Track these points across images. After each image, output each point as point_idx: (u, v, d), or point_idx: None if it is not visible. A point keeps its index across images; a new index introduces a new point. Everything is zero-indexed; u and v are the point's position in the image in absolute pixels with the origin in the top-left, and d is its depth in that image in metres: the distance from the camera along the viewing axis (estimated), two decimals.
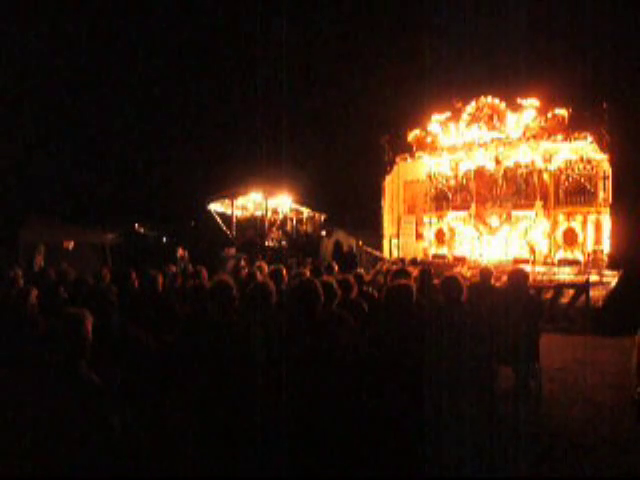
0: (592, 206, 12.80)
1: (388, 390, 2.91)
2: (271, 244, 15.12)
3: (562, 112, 12.79)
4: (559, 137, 12.70)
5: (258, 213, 15.97)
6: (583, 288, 10.02)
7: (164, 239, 19.79)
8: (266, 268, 6.81)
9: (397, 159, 15.71)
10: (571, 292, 10.14)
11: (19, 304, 3.88)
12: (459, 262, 13.77)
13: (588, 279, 10.47)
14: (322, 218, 17.21)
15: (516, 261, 12.72)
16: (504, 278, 6.49)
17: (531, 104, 13.06)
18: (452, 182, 14.66)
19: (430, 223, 15.23)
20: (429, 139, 14.85)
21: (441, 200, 14.96)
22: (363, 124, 19.75)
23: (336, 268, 7.20)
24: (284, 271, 5.41)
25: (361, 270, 7.37)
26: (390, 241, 16.04)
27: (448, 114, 14.25)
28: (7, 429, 2.27)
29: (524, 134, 13.13)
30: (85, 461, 2.29)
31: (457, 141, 14.13)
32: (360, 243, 15.72)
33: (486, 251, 13.74)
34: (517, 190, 13.45)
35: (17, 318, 3.73)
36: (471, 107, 13.78)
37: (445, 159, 14.67)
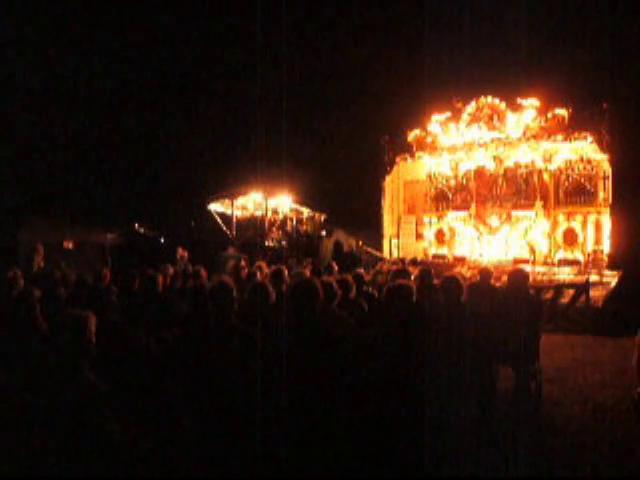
0: (592, 206, 12.80)
1: (388, 390, 2.91)
2: (271, 244, 15.13)
3: (562, 112, 12.79)
4: (559, 137, 12.70)
5: (258, 213, 15.98)
6: (583, 288, 10.01)
7: (162, 239, 19.78)
8: (266, 268, 6.82)
9: (397, 159, 15.70)
10: (571, 292, 10.14)
11: (21, 305, 3.88)
12: (459, 262, 13.77)
13: (588, 279, 10.47)
14: (322, 218, 17.20)
15: (516, 261, 12.72)
16: (504, 278, 6.49)
17: (531, 104, 13.06)
18: (452, 182, 14.65)
19: (430, 223, 15.22)
20: (429, 139, 14.84)
21: (441, 200, 14.95)
22: (363, 124, 19.73)
23: (336, 268, 7.21)
24: (285, 271, 5.42)
25: (361, 270, 7.38)
26: (390, 241, 16.04)
27: (448, 114, 14.24)
28: (8, 429, 2.27)
29: (524, 134, 13.13)
30: (85, 462, 2.29)
31: (457, 141, 14.13)
32: (360, 243, 15.72)
33: (486, 251, 13.74)
34: (517, 190, 13.45)
35: (19, 318, 3.73)
36: (471, 107, 13.77)
37: (445, 159, 14.66)
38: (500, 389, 4.68)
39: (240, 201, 15.44)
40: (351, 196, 19.25)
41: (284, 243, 15.66)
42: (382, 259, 14.80)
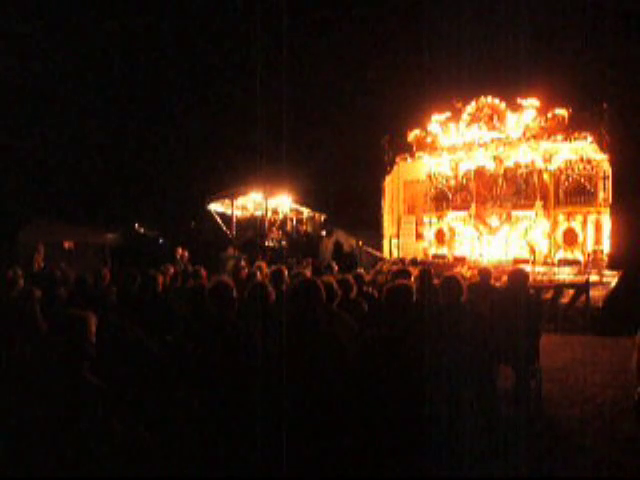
0: (592, 206, 12.80)
1: (388, 390, 2.91)
2: (271, 244, 15.12)
3: (562, 112, 12.79)
4: (559, 137, 12.69)
5: (258, 213, 15.97)
6: (583, 288, 10.02)
7: (161, 239, 19.81)
8: (266, 268, 6.82)
9: (397, 159, 15.69)
10: (571, 292, 10.14)
11: (21, 305, 3.88)
12: (459, 262, 13.77)
13: (588, 279, 10.47)
14: (322, 218, 17.20)
15: (516, 261, 12.72)
16: (504, 278, 6.49)
17: (531, 104, 13.05)
18: (452, 182, 14.65)
19: (430, 223, 15.23)
20: (429, 139, 14.84)
21: (441, 200, 14.95)
22: (363, 124, 19.74)
23: (336, 268, 7.21)
24: (285, 271, 5.42)
25: (361, 270, 7.38)
26: (390, 241, 16.04)
27: (448, 114, 14.24)
28: (8, 429, 2.27)
29: (524, 134, 13.12)
30: (86, 462, 2.29)
31: (457, 141, 14.12)
32: (360, 243, 15.72)
33: (486, 251, 13.74)
34: (517, 190, 13.45)
35: (19, 319, 3.73)
36: (471, 107, 13.77)
37: (445, 159, 14.66)
38: (500, 389, 4.68)
39: (240, 201, 15.42)
40: (351, 196, 19.25)
41: (284, 243, 15.65)
42: (382, 259, 14.79)
